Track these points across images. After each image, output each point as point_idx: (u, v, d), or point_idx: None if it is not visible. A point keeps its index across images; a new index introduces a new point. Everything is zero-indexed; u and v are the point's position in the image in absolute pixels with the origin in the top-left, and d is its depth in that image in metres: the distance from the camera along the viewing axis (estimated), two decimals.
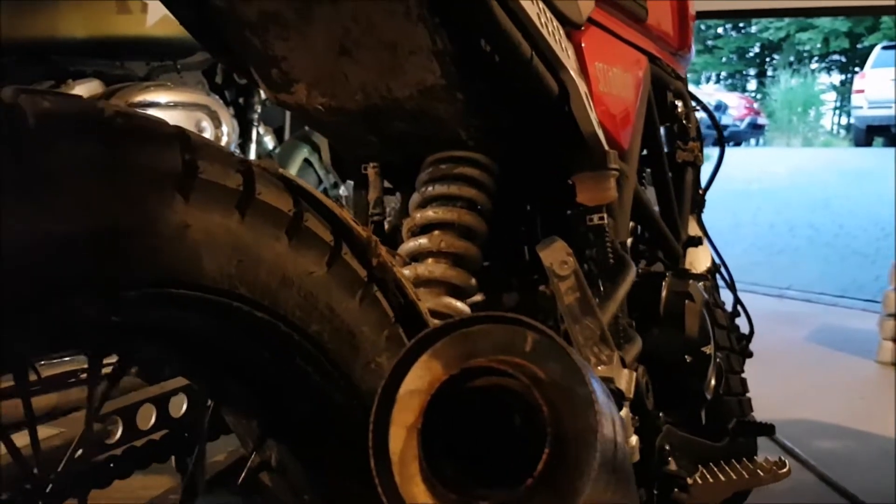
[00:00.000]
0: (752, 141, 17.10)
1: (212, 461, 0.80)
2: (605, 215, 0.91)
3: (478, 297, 1.02)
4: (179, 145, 0.49)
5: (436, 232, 0.92)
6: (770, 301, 5.09)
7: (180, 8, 0.79)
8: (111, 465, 0.75)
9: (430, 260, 0.91)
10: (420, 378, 0.40)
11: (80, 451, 0.55)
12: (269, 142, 2.58)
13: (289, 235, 0.58)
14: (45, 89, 0.46)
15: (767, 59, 23.06)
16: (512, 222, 1.03)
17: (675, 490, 0.97)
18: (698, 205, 1.75)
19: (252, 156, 2.46)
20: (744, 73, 23.92)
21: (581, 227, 0.92)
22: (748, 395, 1.69)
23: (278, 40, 0.80)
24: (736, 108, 15.25)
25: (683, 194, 1.41)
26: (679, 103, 1.43)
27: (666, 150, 1.45)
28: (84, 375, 1.10)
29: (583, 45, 0.98)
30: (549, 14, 0.87)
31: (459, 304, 0.89)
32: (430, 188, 0.94)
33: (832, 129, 20.86)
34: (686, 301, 1.10)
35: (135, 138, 0.48)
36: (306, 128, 2.52)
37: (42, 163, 0.43)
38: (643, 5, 1.17)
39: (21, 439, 0.54)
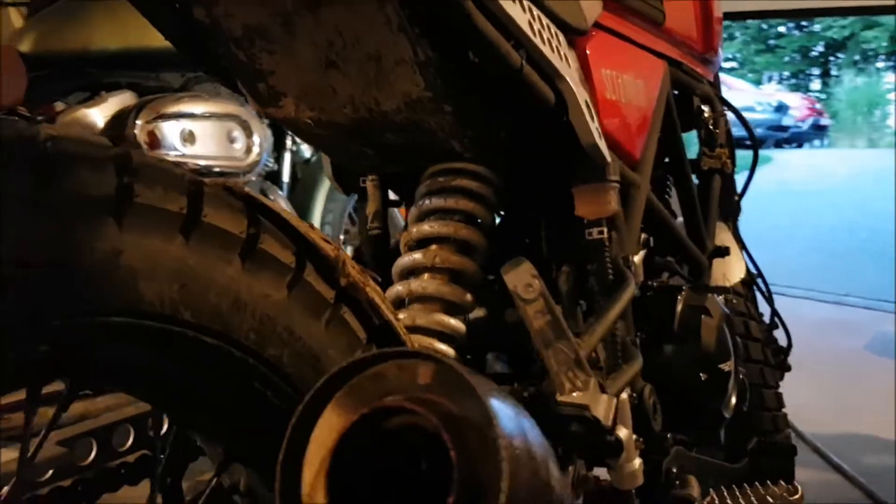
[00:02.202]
0: (816, 142, 16.66)
1: (199, 480, 0.79)
2: (605, 229, 0.87)
3: (480, 313, 1.00)
4: (115, 168, 0.48)
5: (432, 246, 0.90)
6: (827, 308, 4.92)
7: (163, 23, 0.79)
8: (79, 488, 0.74)
9: (425, 275, 0.89)
10: (332, 419, 0.37)
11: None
12: (306, 151, 2.59)
13: (242, 258, 0.56)
14: None
15: (832, 59, 22.43)
16: (515, 235, 1.00)
17: None
18: (733, 212, 1.69)
19: (287, 165, 2.48)
20: (807, 72, 23.32)
21: (581, 241, 0.88)
22: (783, 410, 1.62)
23: (264, 54, 0.79)
24: (797, 108, 14.89)
25: (710, 203, 1.35)
26: (706, 108, 1.37)
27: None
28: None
29: (588, 51, 0.94)
30: (545, 21, 0.84)
31: (453, 321, 0.86)
32: (427, 201, 0.91)
33: None
34: (702, 316, 1.06)
35: (66, 163, 0.46)
36: None
37: None
38: (659, 8, 1.13)
39: None
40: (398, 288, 0.88)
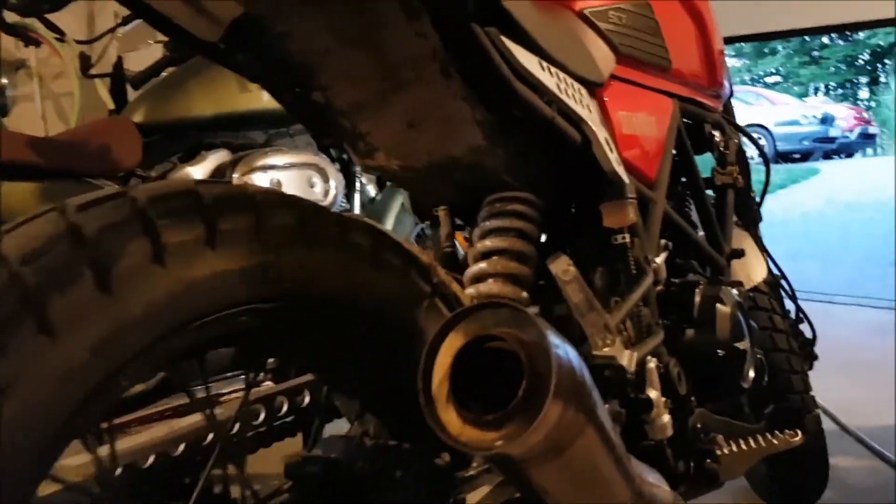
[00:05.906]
0: (869, 151, 16.52)
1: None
2: (628, 235, 1.13)
3: (534, 309, 1.25)
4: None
5: (494, 257, 1.16)
6: (879, 314, 4.99)
7: (288, 103, 1.08)
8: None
9: (490, 280, 1.15)
10: (451, 343, 0.64)
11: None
12: (371, 190, 2.90)
13: (370, 264, 0.84)
14: None
15: (879, 66, 22.22)
16: (559, 246, 1.26)
17: (707, 461, 1.16)
18: (753, 221, 1.92)
19: (357, 203, 2.78)
20: (854, 81, 23.10)
21: (609, 247, 1.14)
22: (811, 392, 1.83)
23: (363, 121, 1.07)
24: (844, 118, 14.87)
25: (725, 213, 1.60)
26: (717, 133, 1.62)
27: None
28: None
29: (605, 98, 1.21)
30: (569, 80, 1.11)
31: None
32: (487, 223, 1.18)
33: None
34: (717, 304, 1.30)
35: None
36: None
37: None
38: (665, 57, 1.39)
39: None
40: (470, 290, 1.15)
